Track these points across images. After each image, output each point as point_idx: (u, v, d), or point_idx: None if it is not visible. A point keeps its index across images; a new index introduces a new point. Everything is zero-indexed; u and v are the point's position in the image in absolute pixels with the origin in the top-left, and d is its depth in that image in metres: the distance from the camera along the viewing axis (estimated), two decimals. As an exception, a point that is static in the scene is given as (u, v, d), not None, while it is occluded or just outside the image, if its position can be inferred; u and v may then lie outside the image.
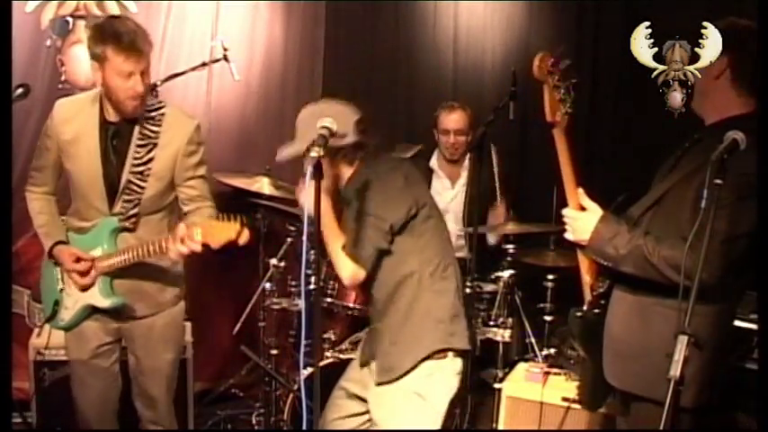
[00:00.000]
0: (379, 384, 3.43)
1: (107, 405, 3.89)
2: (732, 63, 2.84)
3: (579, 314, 3.11)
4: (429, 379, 3.37)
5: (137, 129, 3.56)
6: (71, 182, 3.66)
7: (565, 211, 3.05)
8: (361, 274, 3.35)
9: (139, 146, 3.56)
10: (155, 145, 3.58)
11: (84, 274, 3.63)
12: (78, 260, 3.62)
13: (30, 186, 3.76)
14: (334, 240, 3.37)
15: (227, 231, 3.36)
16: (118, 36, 3.32)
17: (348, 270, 3.35)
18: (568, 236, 3.03)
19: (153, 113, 3.59)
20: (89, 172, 3.58)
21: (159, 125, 3.59)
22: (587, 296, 3.10)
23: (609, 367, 3.04)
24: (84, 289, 3.67)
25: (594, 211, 2.97)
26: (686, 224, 2.70)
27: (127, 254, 3.57)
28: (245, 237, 3.39)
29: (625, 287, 2.97)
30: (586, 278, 3.09)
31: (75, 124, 3.58)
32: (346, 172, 3.48)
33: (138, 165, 3.57)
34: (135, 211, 3.62)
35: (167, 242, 3.44)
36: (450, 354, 3.39)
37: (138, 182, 3.58)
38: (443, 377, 3.41)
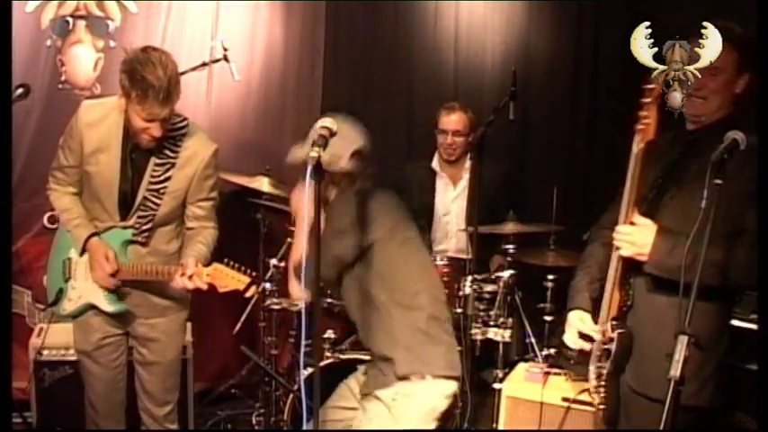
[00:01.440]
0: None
1: (113, 397, 3.93)
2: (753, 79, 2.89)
3: (622, 330, 3.05)
4: (405, 399, 3.37)
5: (157, 146, 3.60)
6: (87, 184, 3.69)
7: (620, 228, 2.96)
8: (305, 295, 3.37)
9: (158, 164, 3.62)
10: (173, 165, 3.63)
11: (111, 275, 3.66)
12: (107, 260, 3.65)
13: (53, 185, 3.77)
14: (294, 257, 3.48)
15: (236, 282, 3.53)
16: (145, 89, 3.31)
17: (292, 289, 3.49)
18: (625, 252, 2.94)
19: (174, 133, 3.61)
20: (106, 179, 3.63)
21: (179, 146, 3.64)
22: (613, 312, 3.05)
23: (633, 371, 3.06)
24: (103, 288, 3.71)
25: (649, 226, 2.91)
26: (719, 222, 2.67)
27: (139, 271, 3.65)
28: (251, 291, 3.56)
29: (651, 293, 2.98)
30: (616, 295, 3.03)
31: (100, 130, 3.60)
32: (331, 194, 3.48)
33: (155, 183, 3.63)
34: (149, 226, 3.69)
35: (176, 272, 3.55)
36: (428, 376, 3.38)
37: (153, 199, 3.64)
38: (422, 400, 3.39)
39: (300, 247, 3.40)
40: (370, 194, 3.43)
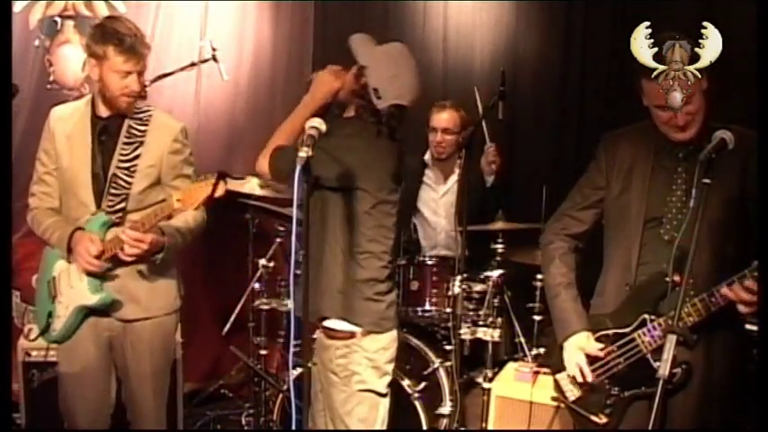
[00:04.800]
0: None
1: (97, 422, 3.82)
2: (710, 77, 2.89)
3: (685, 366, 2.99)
4: (342, 359, 3.44)
5: (125, 126, 3.65)
6: (62, 180, 3.67)
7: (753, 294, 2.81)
8: (265, 169, 3.42)
9: (126, 143, 3.64)
10: (141, 142, 3.65)
11: (96, 257, 3.58)
12: (92, 242, 3.58)
13: (32, 205, 3.76)
14: (279, 136, 3.46)
15: (203, 190, 3.45)
16: (120, 37, 3.45)
17: (261, 163, 3.44)
18: (748, 310, 2.84)
19: (140, 114, 3.68)
20: (78, 166, 3.63)
21: (146, 124, 3.68)
22: None
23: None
24: (91, 274, 3.63)
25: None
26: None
27: (117, 243, 3.56)
28: (221, 189, 3.43)
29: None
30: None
31: (70, 122, 3.66)
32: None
33: (125, 160, 3.63)
34: (122, 205, 3.65)
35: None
36: (358, 332, 3.43)
37: (124, 177, 3.63)
38: (357, 355, 3.44)
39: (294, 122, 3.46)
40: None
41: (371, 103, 3.43)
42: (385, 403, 3.53)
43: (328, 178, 3.33)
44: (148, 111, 3.72)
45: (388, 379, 3.52)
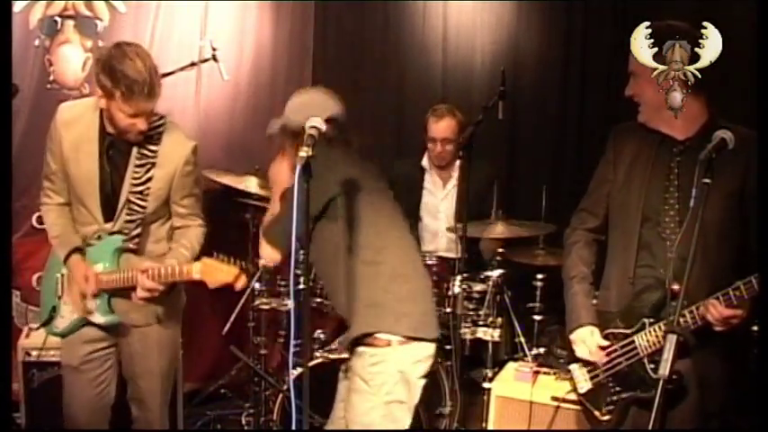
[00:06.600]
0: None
1: (96, 415, 3.82)
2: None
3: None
4: (375, 368, 3.27)
5: (135, 147, 3.57)
6: (71, 186, 3.64)
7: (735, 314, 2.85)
8: (275, 255, 3.42)
9: (138, 165, 3.57)
10: (153, 164, 3.58)
11: (87, 295, 3.60)
12: (87, 279, 3.59)
13: (43, 198, 3.73)
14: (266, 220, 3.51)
15: (226, 275, 3.50)
16: (129, 84, 3.29)
17: (263, 251, 3.47)
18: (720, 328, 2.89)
19: (151, 132, 3.56)
20: (86, 178, 3.58)
21: (157, 144, 3.59)
22: None
23: None
24: (81, 306, 3.64)
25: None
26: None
27: (121, 279, 3.59)
28: (241, 282, 3.52)
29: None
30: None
31: (77, 129, 3.57)
32: None
33: (138, 184, 3.58)
34: (138, 231, 3.64)
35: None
36: (395, 341, 3.26)
37: (138, 201, 3.59)
38: (390, 368, 3.27)
39: (274, 210, 3.46)
40: (332, 152, 3.29)
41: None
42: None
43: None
44: (159, 127, 3.60)
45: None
